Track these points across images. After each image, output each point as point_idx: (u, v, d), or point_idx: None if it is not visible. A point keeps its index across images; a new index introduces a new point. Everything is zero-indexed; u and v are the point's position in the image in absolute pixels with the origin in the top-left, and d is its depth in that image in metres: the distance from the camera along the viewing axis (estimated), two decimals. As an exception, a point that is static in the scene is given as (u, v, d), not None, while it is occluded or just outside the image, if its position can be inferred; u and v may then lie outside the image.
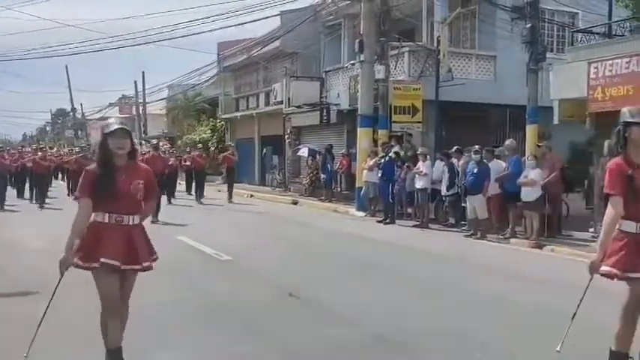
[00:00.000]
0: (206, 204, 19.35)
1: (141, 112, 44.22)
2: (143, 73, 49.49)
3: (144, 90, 43.92)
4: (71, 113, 59.29)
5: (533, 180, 11.46)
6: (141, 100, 44.13)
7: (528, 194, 11.53)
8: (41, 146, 22.32)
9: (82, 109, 57.47)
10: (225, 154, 22.23)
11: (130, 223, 4.33)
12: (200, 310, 6.67)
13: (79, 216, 4.24)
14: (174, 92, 40.54)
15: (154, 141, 24.33)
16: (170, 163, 19.75)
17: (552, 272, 9.21)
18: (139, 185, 4.31)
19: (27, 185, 20.83)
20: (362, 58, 17.13)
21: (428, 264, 9.71)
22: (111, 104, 51.76)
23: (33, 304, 5.58)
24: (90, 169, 4.35)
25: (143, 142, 40.28)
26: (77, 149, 26.95)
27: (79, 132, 56.13)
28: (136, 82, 44.79)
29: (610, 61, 11.23)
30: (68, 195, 20.16)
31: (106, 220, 4.26)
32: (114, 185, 4.22)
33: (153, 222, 14.73)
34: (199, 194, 20.24)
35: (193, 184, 21.70)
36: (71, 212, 4.41)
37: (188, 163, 22.14)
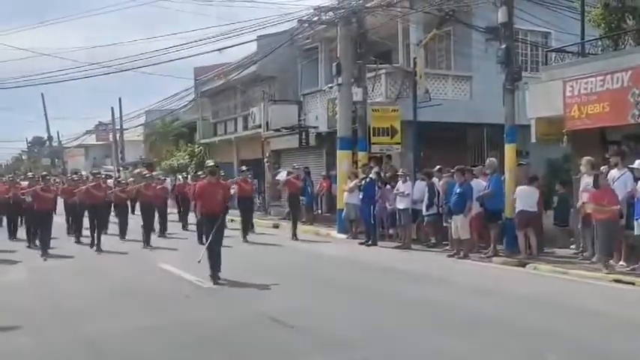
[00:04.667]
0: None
1: (118, 138, 43.83)
2: (120, 99, 48.97)
3: (121, 116, 43.60)
4: (47, 141, 58.57)
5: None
6: (118, 127, 43.75)
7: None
8: (44, 174, 17.24)
9: (58, 137, 56.86)
10: (289, 177, 17.53)
11: None
12: (183, 339, 6.51)
13: None
14: (152, 118, 40.32)
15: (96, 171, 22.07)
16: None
17: (536, 290, 9.20)
18: None
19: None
20: (339, 81, 17.20)
21: (413, 285, 9.63)
22: (88, 131, 51.28)
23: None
24: None
25: (121, 168, 39.98)
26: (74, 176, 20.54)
27: (56, 160, 55.39)
28: (112, 109, 44.47)
29: (585, 80, 11.39)
30: (69, 233, 17.21)
31: None
32: None
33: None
34: (245, 228, 16.07)
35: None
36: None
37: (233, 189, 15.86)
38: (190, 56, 39.86)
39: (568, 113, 11.72)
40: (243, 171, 17.84)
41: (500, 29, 12.99)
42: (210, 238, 9.75)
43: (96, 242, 14.34)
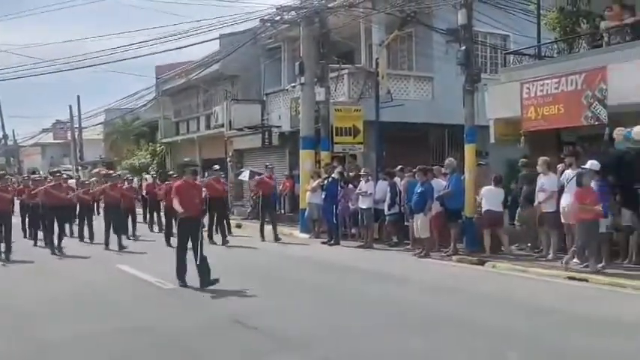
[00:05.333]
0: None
1: (77, 137, 42.92)
2: (78, 97, 47.91)
3: (79, 114, 42.72)
4: (2, 140, 56.92)
5: (551, 192, 11.23)
6: (76, 126, 42.86)
7: (547, 206, 11.46)
8: (1, 173, 16.67)
9: (14, 136, 55.30)
10: (262, 177, 17.04)
11: None
12: (143, 342, 6.44)
13: None
14: (112, 117, 39.63)
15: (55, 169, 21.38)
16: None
17: (495, 288, 9.41)
18: None
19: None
20: (302, 81, 17.23)
21: (375, 284, 9.71)
22: (45, 130, 50.07)
23: None
24: None
25: (80, 168, 39.17)
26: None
27: (12, 159, 53.90)
28: (71, 107, 43.53)
29: (541, 82, 11.67)
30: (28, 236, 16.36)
31: None
32: None
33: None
34: (222, 231, 15.39)
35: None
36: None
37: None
38: (151, 54, 39.38)
39: (525, 114, 11.99)
40: (215, 170, 17.13)
41: (460, 31, 13.22)
42: (196, 247, 9.23)
43: (57, 246, 13.80)
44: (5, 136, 54.81)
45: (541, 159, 11.53)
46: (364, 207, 14.27)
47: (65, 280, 10.60)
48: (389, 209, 13.97)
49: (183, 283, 9.25)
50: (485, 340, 6.36)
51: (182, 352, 6.11)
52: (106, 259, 12.98)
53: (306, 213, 16.40)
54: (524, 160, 12.54)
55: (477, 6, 14.44)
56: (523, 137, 12.23)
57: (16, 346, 6.42)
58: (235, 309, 7.77)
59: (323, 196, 15.19)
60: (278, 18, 18.29)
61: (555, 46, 13.65)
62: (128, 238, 15.60)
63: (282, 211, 20.70)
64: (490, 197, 12.14)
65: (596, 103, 10.71)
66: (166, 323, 7.20)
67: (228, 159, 24.78)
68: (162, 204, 16.14)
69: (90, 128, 43.31)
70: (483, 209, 12.21)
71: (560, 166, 11.26)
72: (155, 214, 18.74)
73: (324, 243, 14.85)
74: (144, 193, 19.84)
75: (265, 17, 18.41)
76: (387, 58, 18.43)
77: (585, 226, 9.72)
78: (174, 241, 13.68)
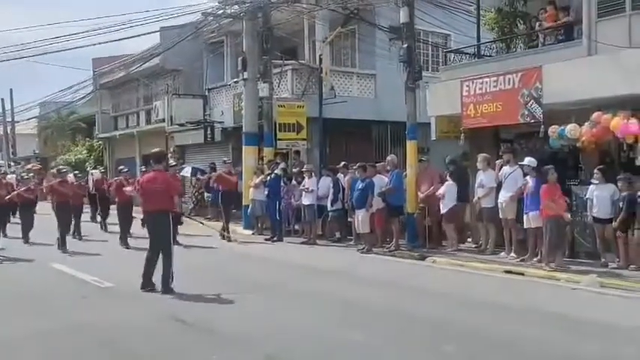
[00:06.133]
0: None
1: (9, 131, 41.19)
2: (11, 90, 45.83)
3: (12, 108, 41.01)
4: None
5: (490, 188, 11.47)
6: (9, 119, 41.11)
7: (444, 206, 12.09)
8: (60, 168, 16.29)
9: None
10: (220, 172, 16.47)
11: None
12: (78, 342, 6.20)
13: None
14: (47, 111, 38.17)
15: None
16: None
17: (435, 282, 9.56)
18: None
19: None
20: (245, 76, 17.03)
21: (317, 280, 9.71)
22: (-26, 124, 47.82)
23: None
24: None
25: (12, 163, 37.58)
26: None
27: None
28: (2, 100, 41.71)
29: (480, 80, 11.93)
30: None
31: None
32: None
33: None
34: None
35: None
36: None
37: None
38: (88, 45, 38.08)
39: (465, 112, 12.23)
40: (225, 161, 16.71)
41: (403, 29, 13.36)
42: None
43: None
44: None
45: (480, 156, 11.78)
46: (307, 203, 14.24)
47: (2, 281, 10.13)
48: (332, 205, 14.00)
49: (150, 288, 8.48)
50: (423, 332, 6.46)
51: (118, 352, 5.93)
52: (56, 260, 12.12)
53: (249, 209, 16.24)
54: (449, 157, 12.85)
55: (419, 5, 14.66)
56: (463, 134, 12.47)
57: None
58: (174, 307, 7.59)
59: (266, 193, 15.08)
60: (220, 12, 18.04)
61: (494, 46, 13.98)
62: (74, 238, 14.94)
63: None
64: (452, 193, 12.24)
65: (532, 101, 11.03)
66: (103, 322, 6.97)
67: (170, 155, 24.27)
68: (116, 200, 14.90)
69: (23, 122, 41.62)
70: (447, 205, 12.16)
71: (498, 162, 11.54)
72: (104, 212, 17.77)
73: (267, 239, 14.75)
74: (91, 189, 18.73)
75: (208, 10, 18.11)
76: (331, 54, 18.45)
77: (554, 222, 9.70)
78: (131, 241, 13.42)
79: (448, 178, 12.40)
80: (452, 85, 12.67)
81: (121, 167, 16.33)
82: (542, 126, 10.88)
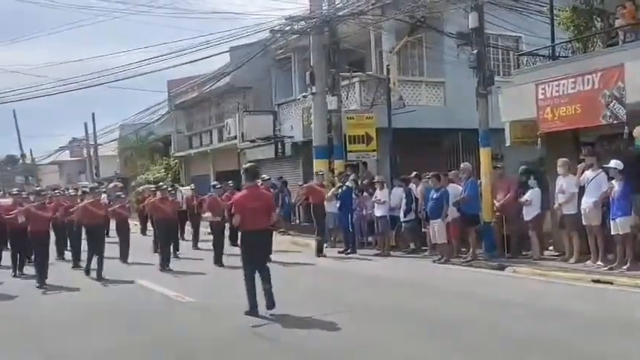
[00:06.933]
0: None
1: (92, 154, 43.23)
2: (93, 114, 48.16)
3: (94, 132, 43.07)
4: (21, 159, 57.58)
5: (527, 200, 11.53)
6: (92, 142, 43.19)
7: (528, 213, 11.78)
8: (37, 189, 15.50)
9: (31, 155, 55.90)
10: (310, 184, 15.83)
11: None
12: (163, 354, 6.33)
13: None
14: (126, 132, 39.87)
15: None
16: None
17: (515, 293, 9.20)
18: None
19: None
20: (313, 90, 17.16)
21: (395, 292, 9.55)
22: (62, 148, 50.55)
23: None
24: None
25: (96, 184, 39.38)
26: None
27: (30, 178, 54.43)
28: (86, 124, 43.89)
29: (557, 82, 11.47)
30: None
31: None
32: None
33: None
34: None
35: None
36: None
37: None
38: (163, 69, 39.57)
39: (541, 116, 11.79)
40: (318, 174, 15.81)
41: (472, 35, 13.08)
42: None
43: (97, 268, 12.16)
44: (23, 155, 55.53)
45: (560, 160, 11.32)
46: (379, 215, 14.12)
47: (88, 295, 10.52)
48: (405, 216, 13.82)
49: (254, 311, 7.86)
50: (506, 345, 6.21)
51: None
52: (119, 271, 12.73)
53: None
54: (523, 167, 12.44)
55: (488, 8, 14.28)
56: (540, 139, 12.02)
57: (37, 357, 6.37)
58: (256, 322, 7.57)
59: (338, 205, 15.05)
60: (288, 28, 18.27)
61: (570, 46, 13.43)
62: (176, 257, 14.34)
63: (298, 221, 20.59)
64: (538, 199, 11.84)
65: (615, 101, 10.49)
66: (187, 337, 7.09)
67: (242, 171, 24.73)
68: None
69: (105, 145, 43.62)
70: (532, 212, 11.82)
71: (580, 166, 11.05)
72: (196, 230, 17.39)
73: (340, 252, 14.69)
74: (182, 206, 17.81)
75: (275, 28, 18.39)
76: (398, 64, 18.30)
77: None
78: (225, 259, 12.87)
79: (531, 184, 11.96)
80: (526, 88, 12.25)
81: (214, 183, 16.13)
82: (626, 127, 10.32)
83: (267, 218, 8.23)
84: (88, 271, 12.52)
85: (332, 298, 9.32)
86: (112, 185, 20.27)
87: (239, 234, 8.69)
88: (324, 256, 14.20)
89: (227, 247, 13.94)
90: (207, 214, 13.29)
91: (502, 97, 13.08)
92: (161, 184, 17.48)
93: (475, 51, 12.87)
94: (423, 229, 13.66)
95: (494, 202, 12.51)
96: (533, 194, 11.83)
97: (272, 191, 15.66)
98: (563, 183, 11.14)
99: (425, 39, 18.94)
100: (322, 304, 8.68)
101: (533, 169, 12.41)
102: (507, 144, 13.43)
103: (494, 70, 15.58)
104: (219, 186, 15.59)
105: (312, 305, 8.53)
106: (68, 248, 15.52)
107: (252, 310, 7.79)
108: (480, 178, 12.83)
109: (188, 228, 18.21)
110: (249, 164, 9.33)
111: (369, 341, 6.59)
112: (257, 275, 7.92)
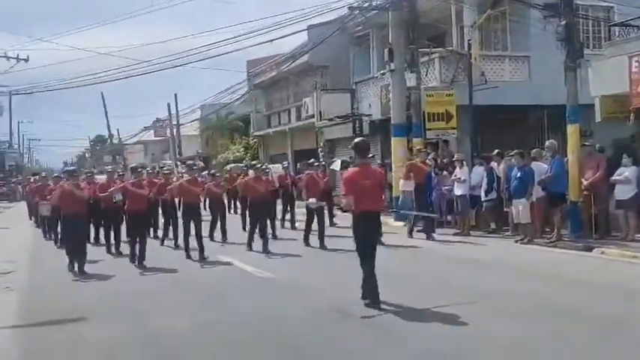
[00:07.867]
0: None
1: (175, 134, 44.78)
2: (175, 95, 49.99)
3: (177, 112, 44.53)
4: (109, 139, 60.56)
5: (628, 178, 11.10)
6: (175, 122, 44.72)
7: (623, 192, 11.24)
8: (133, 166, 14.37)
9: (118, 135, 58.66)
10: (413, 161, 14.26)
11: None
12: (248, 333, 6.49)
13: None
14: (207, 112, 40.98)
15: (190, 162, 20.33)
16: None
17: (602, 275, 8.85)
18: None
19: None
20: (392, 67, 16.96)
21: (477, 273, 9.36)
22: (146, 128, 52.68)
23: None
24: None
25: (179, 163, 40.89)
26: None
27: (117, 157, 57.20)
28: (169, 105, 45.45)
29: (652, 54, 10.84)
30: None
31: None
32: None
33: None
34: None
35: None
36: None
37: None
38: (241, 49, 40.21)
39: (634, 90, 11.20)
40: (421, 151, 14.50)
41: (560, 5, 12.52)
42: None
43: (199, 249, 11.52)
44: (111, 136, 58.37)
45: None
46: (459, 193, 13.88)
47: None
48: (486, 195, 13.50)
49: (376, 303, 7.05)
50: (590, 329, 6.00)
51: (284, 345, 6.04)
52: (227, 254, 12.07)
53: (399, 201, 16.15)
54: (599, 145, 11.79)
55: (577, -23, 13.61)
56: (632, 114, 11.42)
57: (139, 330, 6.71)
58: (338, 297, 7.59)
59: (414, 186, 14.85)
60: (366, 5, 18.10)
61: (667, 15, 12.62)
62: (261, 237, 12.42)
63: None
64: (636, 178, 11.28)
65: None
66: (267, 313, 7.19)
67: (320, 149, 24.93)
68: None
69: (187, 125, 45.07)
70: (629, 191, 11.24)
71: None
72: (291, 209, 16.56)
73: (419, 231, 14.54)
74: (276, 185, 16.14)
75: (353, 5, 18.27)
76: (480, 39, 17.79)
77: None
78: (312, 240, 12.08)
79: (625, 162, 11.34)
80: (618, 61, 11.65)
81: (312, 160, 14.93)
82: None
83: (381, 199, 7.55)
84: (188, 254, 11.75)
85: (412, 276, 9.23)
86: (189, 162, 20.48)
87: (351, 216, 7.42)
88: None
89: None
90: (312, 200, 12.54)
91: (592, 71, 12.52)
92: (254, 162, 17.36)
93: (563, 22, 12.31)
94: (505, 209, 13.32)
95: (582, 180, 12.01)
96: (630, 172, 11.25)
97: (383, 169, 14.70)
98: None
99: (509, 11, 18.26)
100: (403, 282, 8.49)
101: (626, 146, 11.80)
102: (597, 120, 12.86)
103: (583, 43, 14.85)
104: (317, 164, 14.68)
105: (392, 282, 8.15)
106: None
107: (375, 304, 7.04)
108: (566, 156, 12.34)
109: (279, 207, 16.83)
110: (360, 138, 8.28)
111: (453, 321, 6.47)
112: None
